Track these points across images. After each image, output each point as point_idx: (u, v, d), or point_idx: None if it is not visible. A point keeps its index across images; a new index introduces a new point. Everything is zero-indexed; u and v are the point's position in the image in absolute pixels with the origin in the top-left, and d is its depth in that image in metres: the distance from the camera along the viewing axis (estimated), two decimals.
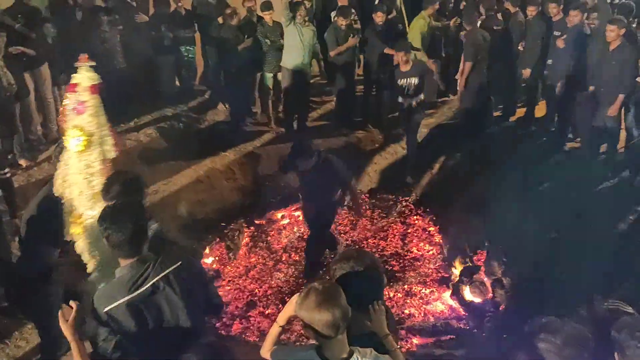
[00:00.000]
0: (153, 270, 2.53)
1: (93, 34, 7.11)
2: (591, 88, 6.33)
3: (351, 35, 7.64)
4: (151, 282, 2.50)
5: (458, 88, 7.63)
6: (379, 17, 7.50)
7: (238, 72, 7.53)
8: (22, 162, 6.17)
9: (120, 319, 2.46)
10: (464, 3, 8.54)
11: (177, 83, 8.62)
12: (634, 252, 4.97)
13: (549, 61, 7.15)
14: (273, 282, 5.66)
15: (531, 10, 7.34)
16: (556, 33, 6.96)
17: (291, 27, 7.20)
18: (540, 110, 7.98)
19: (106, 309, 2.45)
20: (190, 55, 8.24)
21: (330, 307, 2.00)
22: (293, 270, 5.83)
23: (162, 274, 2.53)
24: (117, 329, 2.48)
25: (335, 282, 2.24)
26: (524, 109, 8.10)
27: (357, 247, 5.98)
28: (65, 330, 2.35)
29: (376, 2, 8.26)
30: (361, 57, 8.53)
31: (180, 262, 2.62)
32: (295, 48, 7.31)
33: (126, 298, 2.45)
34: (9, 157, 6.14)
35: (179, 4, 7.93)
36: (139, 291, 2.47)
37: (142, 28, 7.72)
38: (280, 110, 8.20)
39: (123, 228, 2.44)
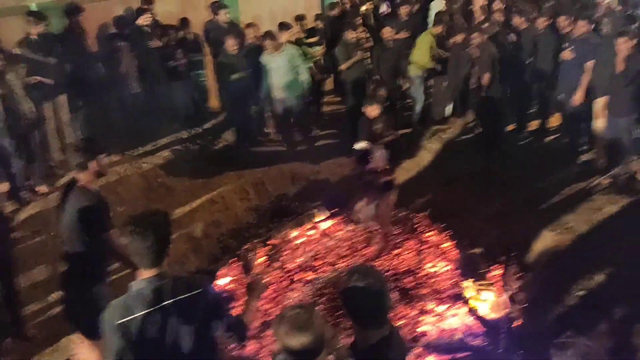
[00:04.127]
0: (172, 290, 2.49)
1: (111, 61, 7.33)
2: (605, 99, 6.28)
3: (360, 49, 7.78)
4: (168, 302, 2.46)
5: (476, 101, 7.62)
6: (387, 33, 7.64)
7: (241, 94, 7.69)
8: (41, 189, 6.31)
9: (132, 333, 2.43)
10: (480, 16, 8.57)
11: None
12: None
13: (560, 73, 7.12)
14: (287, 303, 5.67)
15: (541, 22, 7.36)
16: (566, 45, 6.95)
17: (265, 57, 7.58)
18: (555, 120, 7.94)
19: (121, 321, 2.42)
20: (201, 79, 8.43)
21: (300, 334, 2.06)
22: (308, 289, 5.83)
23: (180, 297, 2.49)
24: (125, 344, 2.44)
25: (342, 296, 2.32)
26: (538, 121, 8.07)
27: (366, 264, 5.96)
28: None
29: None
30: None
31: (201, 290, 2.56)
32: (272, 73, 7.62)
33: (143, 312, 2.43)
34: (28, 183, 6.33)
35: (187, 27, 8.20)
36: (155, 307, 2.44)
37: (157, 53, 7.92)
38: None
39: (146, 235, 2.44)
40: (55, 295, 5.11)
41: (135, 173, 7.00)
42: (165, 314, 2.48)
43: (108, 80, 7.35)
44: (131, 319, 2.44)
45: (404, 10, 8.84)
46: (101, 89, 7.25)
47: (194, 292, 2.53)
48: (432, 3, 9.92)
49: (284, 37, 7.97)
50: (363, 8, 9.97)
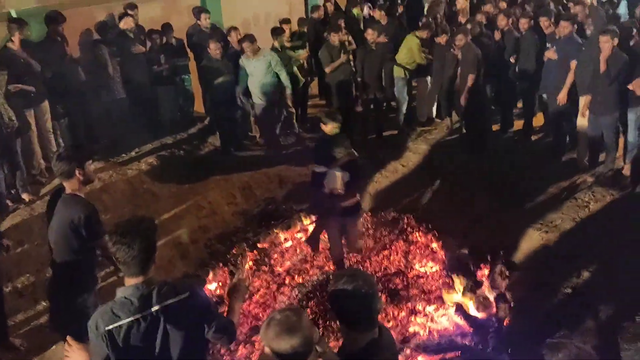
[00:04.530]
0: (159, 296, 2.49)
1: (93, 66, 7.27)
2: (587, 97, 6.36)
3: (344, 51, 7.80)
4: (155, 308, 2.47)
5: (461, 102, 7.65)
6: (370, 35, 7.69)
7: (225, 98, 7.67)
8: (25, 197, 6.23)
9: (119, 340, 2.43)
10: (462, 18, 8.62)
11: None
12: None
13: (543, 73, 7.19)
14: (277, 306, 5.64)
15: (523, 23, 7.43)
16: (548, 45, 7.03)
17: (243, 60, 7.55)
18: (538, 120, 8.02)
19: (108, 328, 2.42)
20: (186, 84, 8.41)
21: (289, 336, 2.05)
22: (297, 293, 5.82)
23: (167, 302, 2.49)
24: (111, 351, 2.44)
25: (330, 299, 2.32)
26: (522, 121, 8.14)
27: (355, 267, 5.97)
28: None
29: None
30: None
31: (188, 294, 2.56)
32: (250, 78, 7.59)
33: (130, 319, 2.43)
34: (12, 192, 6.25)
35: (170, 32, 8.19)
36: (142, 314, 2.45)
37: (140, 59, 7.87)
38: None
39: (132, 244, 2.44)
40: (42, 305, 5.06)
41: (120, 179, 6.93)
42: (152, 320, 2.48)
43: (91, 87, 7.28)
44: (117, 326, 2.43)
45: (378, 15, 8.84)
46: (84, 96, 7.18)
47: (181, 298, 2.53)
48: None
49: (277, 41, 8.05)
50: (355, 11, 9.97)
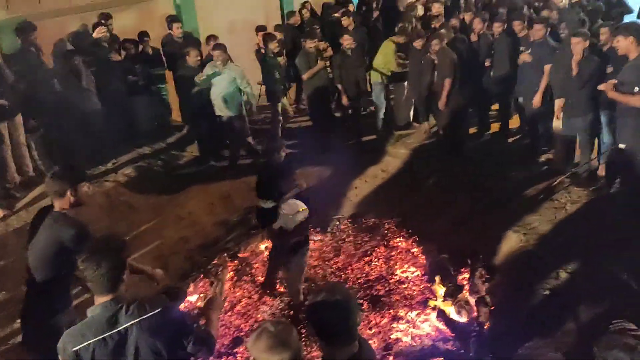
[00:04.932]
0: (128, 313, 2.51)
1: (67, 77, 7.15)
2: (561, 100, 6.44)
3: (320, 58, 7.81)
4: (123, 326, 2.48)
5: (439, 107, 7.71)
6: (346, 40, 7.71)
7: (202, 108, 7.61)
8: None
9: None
10: (435, 24, 8.69)
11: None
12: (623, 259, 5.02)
13: (518, 76, 7.27)
14: (259, 316, 5.60)
15: (497, 27, 7.53)
16: (522, 48, 7.12)
17: (208, 67, 7.37)
18: (515, 122, 8.12)
19: (75, 348, 2.44)
20: (163, 93, 8.34)
21: (280, 350, 2.05)
22: (279, 302, 5.79)
23: (137, 320, 2.50)
24: None
25: (308, 314, 2.30)
26: (499, 124, 8.23)
27: (333, 281, 5.93)
28: None
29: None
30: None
31: (159, 310, 2.57)
32: (213, 88, 7.46)
33: (96, 338, 2.45)
34: None
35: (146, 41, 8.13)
36: (109, 333, 2.46)
37: (116, 68, 7.79)
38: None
39: (100, 262, 2.48)
40: (19, 323, 4.96)
41: (97, 192, 6.83)
42: (120, 338, 2.49)
43: (65, 98, 7.16)
44: (84, 346, 2.45)
45: (347, 21, 8.83)
46: (58, 107, 7.06)
47: (152, 314, 2.54)
48: None
49: (271, 46, 8.05)
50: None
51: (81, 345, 2.44)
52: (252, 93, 7.70)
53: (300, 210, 4.71)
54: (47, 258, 3.53)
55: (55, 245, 3.49)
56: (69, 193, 3.52)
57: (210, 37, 8.27)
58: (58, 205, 3.58)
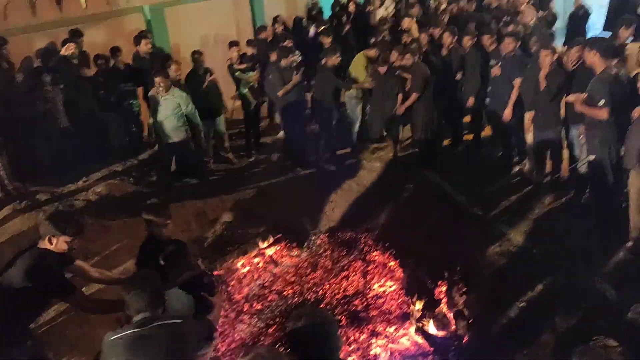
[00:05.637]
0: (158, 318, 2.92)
1: (36, 95, 7.00)
2: (531, 113, 6.56)
3: (295, 72, 7.80)
4: (150, 325, 2.83)
5: (398, 111, 7.78)
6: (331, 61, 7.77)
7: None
8: None
9: (120, 351, 2.77)
10: (406, 38, 8.76)
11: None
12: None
13: (489, 89, 7.39)
14: (237, 335, 5.51)
15: (467, 41, 7.65)
16: (492, 62, 7.24)
17: (152, 94, 7.28)
18: (488, 131, 8.24)
19: (112, 338, 2.83)
20: (135, 109, 8.23)
21: None
22: (256, 320, 5.71)
23: (159, 323, 2.86)
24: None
25: (289, 340, 2.30)
26: (472, 135, 8.34)
27: (312, 305, 5.87)
28: None
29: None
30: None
31: (180, 321, 2.96)
32: (157, 114, 7.26)
33: (132, 330, 2.82)
34: None
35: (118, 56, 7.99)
36: (142, 328, 2.82)
37: (86, 84, 7.65)
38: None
39: (142, 295, 2.89)
40: None
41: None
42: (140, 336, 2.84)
43: (33, 116, 7.01)
44: (122, 335, 2.83)
45: (326, 41, 8.86)
46: (26, 125, 6.90)
47: (173, 321, 2.94)
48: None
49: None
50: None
51: (116, 336, 2.82)
52: (199, 121, 7.45)
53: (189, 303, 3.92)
54: (17, 290, 3.45)
55: (28, 277, 3.44)
56: (50, 238, 3.55)
57: (172, 61, 7.89)
58: (42, 244, 3.60)
